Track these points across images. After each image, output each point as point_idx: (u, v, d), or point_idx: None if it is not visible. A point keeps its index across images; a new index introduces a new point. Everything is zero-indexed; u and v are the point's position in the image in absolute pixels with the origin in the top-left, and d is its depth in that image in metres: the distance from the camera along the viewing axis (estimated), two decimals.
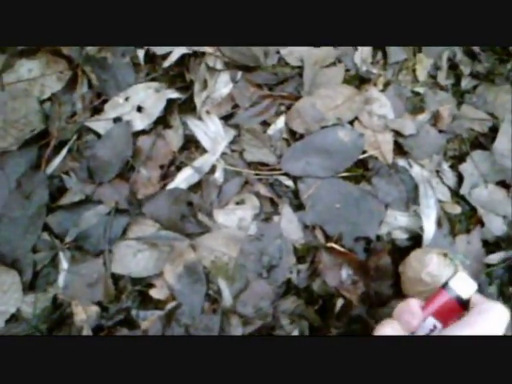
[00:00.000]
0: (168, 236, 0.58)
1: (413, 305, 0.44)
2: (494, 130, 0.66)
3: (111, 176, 0.60)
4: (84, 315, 0.56)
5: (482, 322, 0.40)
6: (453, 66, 0.70)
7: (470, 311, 0.42)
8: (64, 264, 0.58)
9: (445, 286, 0.46)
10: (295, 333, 0.56)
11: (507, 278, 0.62)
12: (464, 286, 0.45)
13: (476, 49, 0.69)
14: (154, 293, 0.57)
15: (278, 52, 0.66)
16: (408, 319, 0.43)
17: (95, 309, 0.57)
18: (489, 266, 0.62)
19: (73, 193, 0.59)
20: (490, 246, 0.62)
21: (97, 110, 0.63)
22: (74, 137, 0.62)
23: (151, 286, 0.58)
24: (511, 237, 0.63)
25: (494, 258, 0.62)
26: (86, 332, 0.55)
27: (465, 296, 0.44)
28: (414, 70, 0.69)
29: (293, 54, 0.66)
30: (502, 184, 0.64)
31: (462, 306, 0.44)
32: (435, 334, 0.43)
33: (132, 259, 0.58)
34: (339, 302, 0.57)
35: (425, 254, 0.54)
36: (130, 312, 0.57)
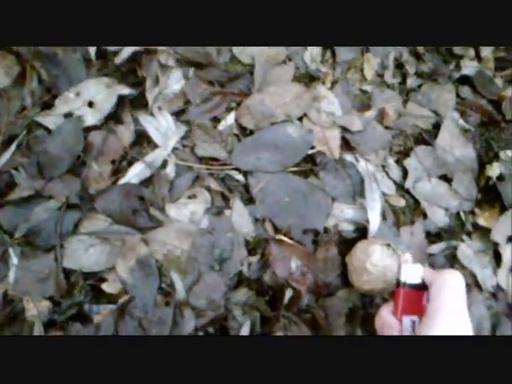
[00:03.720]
0: (120, 230, 0.59)
1: (385, 316, 0.47)
2: (436, 127, 0.70)
3: (62, 171, 0.60)
4: (35, 311, 0.56)
5: (444, 300, 0.43)
6: (399, 66, 0.73)
7: (430, 292, 0.45)
8: (14, 260, 0.57)
9: (397, 283, 0.49)
10: (247, 324, 0.57)
11: (448, 267, 0.65)
12: (411, 273, 0.49)
13: (421, 49, 0.72)
14: (107, 287, 0.58)
15: (230, 50, 0.67)
16: (388, 331, 0.46)
17: (47, 304, 0.56)
18: (431, 255, 0.65)
19: (22, 188, 0.59)
20: (433, 236, 0.65)
21: (47, 105, 0.63)
22: (24, 132, 0.61)
23: (103, 280, 0.58)
24: (452, 228, 0.66)
25: (436, 248, 0.65)
26: (38, 327, 0.55)
27: (417, 281, 0.48)
28: (361, 69, 0.71)
29: (245, 52, 0.67)
30: (444, 178, 0.67)
31: (421, 288, 0.47)
32: (417, 326, 0.45)
33: (84, 254, 0.58)
34: (288, 293, 0.58)
35: (369, 244, 0.56)
36: (83, 306, 0.57)
